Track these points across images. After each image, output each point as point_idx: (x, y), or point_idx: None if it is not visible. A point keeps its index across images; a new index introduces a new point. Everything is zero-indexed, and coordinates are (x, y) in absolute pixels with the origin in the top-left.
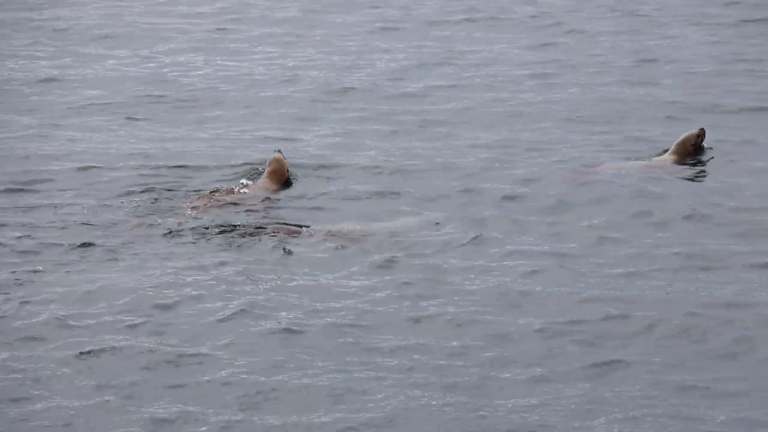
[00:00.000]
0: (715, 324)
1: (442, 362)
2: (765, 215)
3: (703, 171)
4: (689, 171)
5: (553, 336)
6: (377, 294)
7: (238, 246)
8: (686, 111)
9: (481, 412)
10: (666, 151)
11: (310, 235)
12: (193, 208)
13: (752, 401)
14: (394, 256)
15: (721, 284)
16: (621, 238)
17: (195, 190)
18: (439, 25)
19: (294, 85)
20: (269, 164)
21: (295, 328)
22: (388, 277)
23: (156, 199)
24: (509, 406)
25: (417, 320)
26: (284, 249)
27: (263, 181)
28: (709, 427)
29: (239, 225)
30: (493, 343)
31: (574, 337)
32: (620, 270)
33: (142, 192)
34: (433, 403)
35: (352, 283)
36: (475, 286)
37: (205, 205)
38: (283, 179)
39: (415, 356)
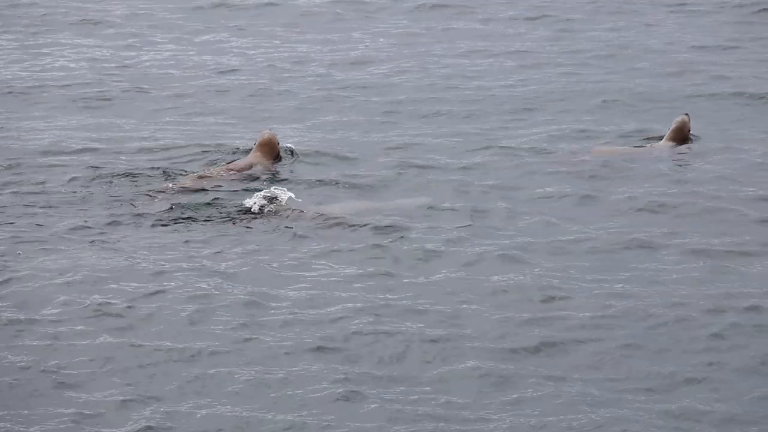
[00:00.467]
0: (671, 309)
1: (401, 352)
2: (747, 206)
3: (694, 157)
4: (684, 157)
5: (510, 323)
6: (363, 280)
7: (224, 231)
8: (664, 99)
9: (435, 400)
10: (643, 138)
11: (300, 216)
12: (182, 187)
13: (687, 386)
14: (378, 241)
15: (682, 270)
16: (599, 224)
17: (179, 172)
18: (410, 13)
19: (262, 73)
20: (260, 138)
21: (267, 315)
22: (369, 262)
23: (135, 181)
24: (463, 393)
25: (390, 310)
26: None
27: (254, 155)
28: (649, 407)
29: (229, 207)
30: (449, 327)
31: (530, 324)
32: (591, 257)
33: (122, 176)
34: (386, 392)
35: (338, 270)
36: (443, 274)
37: (195, 184)
38: (274, 152)
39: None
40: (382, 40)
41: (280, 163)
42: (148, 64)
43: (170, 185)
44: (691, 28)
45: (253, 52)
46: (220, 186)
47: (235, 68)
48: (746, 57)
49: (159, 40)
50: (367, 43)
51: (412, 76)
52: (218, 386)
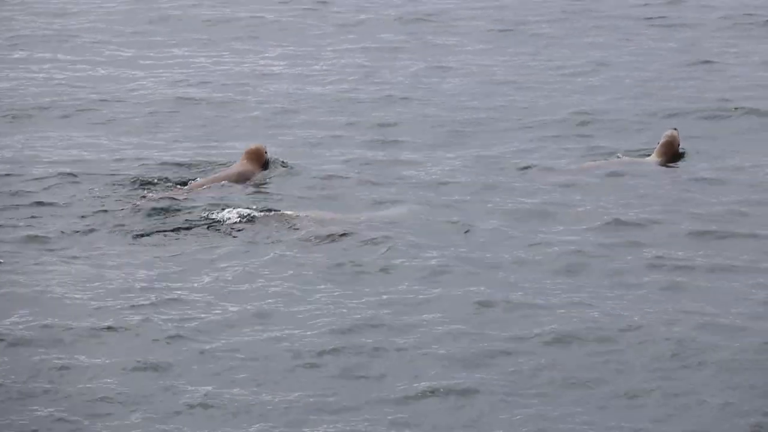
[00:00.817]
0: (633, 323)
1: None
2: (722, 223)
3: (679, 173)
4: (668, 172)
5: (472, 336)
6: (332, 293)
7: (202, 243)
8: (641, 115)
9: (398, 415)
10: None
11: (290, 223)
12: (166, 197)
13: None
14: (349, 253)
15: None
16: (569, 237)
17: (158, 182)
18: (390, 26)
19: (234, 86)
20: (248, 147)
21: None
22: (339, 275)
23: (114, 193)
24: (425, 409)
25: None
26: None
27: (241, 163)
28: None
29: (209, 218)
30: (412, 340)
31: (491, 338)
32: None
33: (99, 187)
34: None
35: (308, 282)
36: (407, 286)
37: (181, 194)
38: (261, 161)
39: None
40: (359, 53)
41: (266, 172)
42: (117, 76)
43: (150, 195)
44: (670, 43)
45: (225, 65)
46: (206, 195)
47: (208, 81)
48: (726, 72)
49: (131, 54)
50: (343, 57)
51: (385, 89)
52: (182, 400)
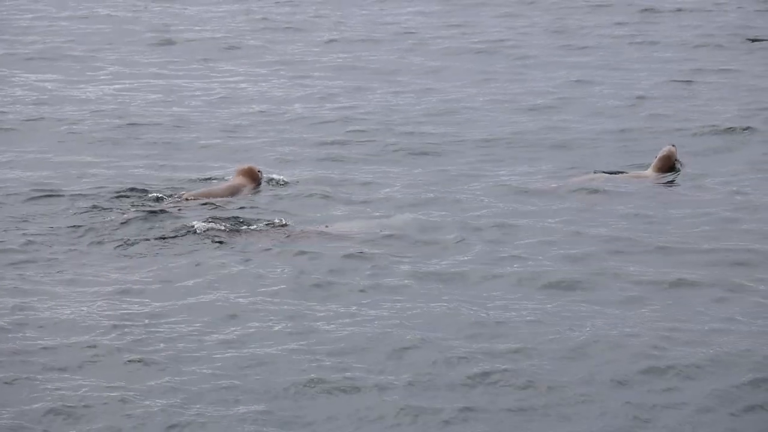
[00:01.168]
0: (602, 340)
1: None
2: (698, 240)
3: (671, 189)
4: (654, 189)
5: (441, 350)
6: (303, 305)
7: (191, 255)
8: (623, 133)
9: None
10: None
11: (287, 235)
12: (161, 210)
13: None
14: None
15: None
16: (539, 253)
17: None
18: (378, 44)
19: (208, 107)
20: (240, 166)
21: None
22: (314, 286)
23: (104, 209)
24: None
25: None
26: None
27: (235, 179)
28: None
29: (201, 231)
30: (380, 357)
31: (460, 353)
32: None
33: (84, 199)
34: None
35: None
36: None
37: (180, 206)
38: (253, 177)
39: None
40: (333, 72)
41: (255, 188)
42: (96, 95)
43: (137, 209)
44: (651, 62)
45: (201, 84)
46: (195, 209)
47: (185, 100)
48: (706, 90)
49: (111, 71)
50: (318, 76)
51: (363, 106)
52: (154, 413)
